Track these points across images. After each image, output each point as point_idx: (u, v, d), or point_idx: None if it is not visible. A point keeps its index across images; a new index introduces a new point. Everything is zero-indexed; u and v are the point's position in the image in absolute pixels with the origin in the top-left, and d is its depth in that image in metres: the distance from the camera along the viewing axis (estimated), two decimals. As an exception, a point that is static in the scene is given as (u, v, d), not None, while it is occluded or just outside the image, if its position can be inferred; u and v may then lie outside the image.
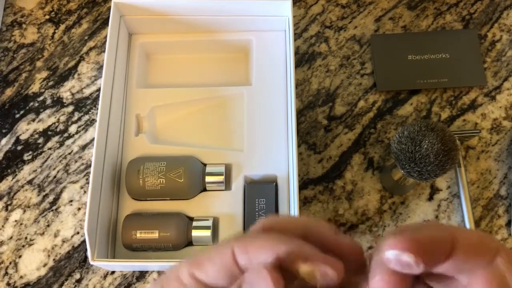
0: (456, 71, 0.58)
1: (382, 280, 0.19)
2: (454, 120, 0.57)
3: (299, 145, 0.56)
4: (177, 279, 0.22)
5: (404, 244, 0.18)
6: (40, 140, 0.57)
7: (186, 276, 0.21)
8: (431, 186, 0.54)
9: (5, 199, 0.55)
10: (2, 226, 0.54)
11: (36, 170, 0.56)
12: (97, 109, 0.48)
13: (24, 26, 0.63)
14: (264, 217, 0.22)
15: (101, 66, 0.60)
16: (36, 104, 0.59)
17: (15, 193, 0.55)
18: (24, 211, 0.54)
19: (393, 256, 0.18)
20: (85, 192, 0.55)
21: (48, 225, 0.53)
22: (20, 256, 0.52)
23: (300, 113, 0.57)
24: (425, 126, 0.49)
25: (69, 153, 0.57)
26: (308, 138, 0.56)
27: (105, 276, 0.51)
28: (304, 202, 0.54)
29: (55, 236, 0.53)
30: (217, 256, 0.21)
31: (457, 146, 0.50)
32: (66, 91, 0.59)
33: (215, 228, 0.49)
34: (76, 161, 0.56)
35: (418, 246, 0.18)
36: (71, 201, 0.54)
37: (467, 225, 0.51)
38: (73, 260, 0.52)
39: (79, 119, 0.58)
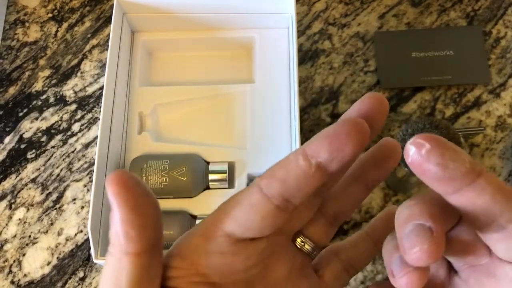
0: (460, 68, 0.58)
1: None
2: (458, 118, 0.56)
3: (302, 143, 0.56)
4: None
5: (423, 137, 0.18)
6: (43, 139, 0.57)
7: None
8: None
9: (8, 197, 0.55)
10: (6, 224, 0.54)
11: (39, 169, 0.56)
12: (100, 107, 0.48)
13: (27, 24, 0.63)
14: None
15: (104, 64, 0.60)
16: (39, 103, 0.59)
17: (18, 192, 0.55)
18: (28, 209, 0.54)
19: (412, 143, 0.18)
20: (88, 190, 0.55)
21: (51, 224, 0.54)
22: (24, 255, 0.53)
23: (303, 111, 0.57)
24: (429, 123, 0.49)
25: (72, 152, 0.57)
26: (312, 136, 0.56)
27: (108, 274, 0.51)
28: (308, 200, 0.54)
29: (59, 234, 0.53)
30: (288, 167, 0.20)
31: (461, 144, 0.50)
32: (69, 90, 0.59)
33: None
34: (79, 160, 0.56)
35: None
36: (74, 199, 0.55)
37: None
38: (77, 259, 0.52)
39: (82, 117, 0.58)
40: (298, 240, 0.25)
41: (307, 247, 0.25)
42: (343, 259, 0.27)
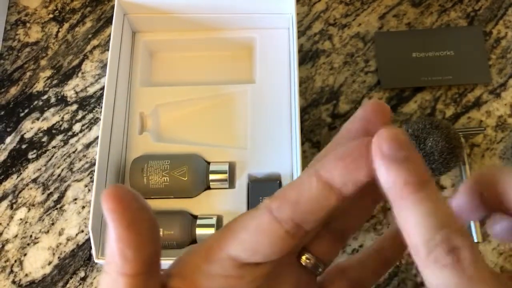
0: (461, 68, 0.58)
1: None
2: (458, 118, 0.56)
3: (302, 143, 0.56)
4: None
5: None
6: (45, 139, 0.57)
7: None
8: (436, 183, 0.54)
9: (10, 197, 0.55)
10: (7, 224, 0.54)
11: (40, 169, 0.56)
12: (101, 107, 0.48)
13: (28, 25, 0.63)
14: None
15: (105, 65, 0.60)
16: (40, 103, 0.59)
17: (20, 192, 0.55)
18: (29, 209, 0.54)
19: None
20: (89, 190, 0.55)
21: (52, 224, 0.54)
22: (25, 254, 0.53)
23: (303, 111, 0.57)
24: (429, 123, 0.49)
25: (73, 152, 0.57)
26: (312, 136, 0.56)
27: (109, 274, 0.52)
28: (308, 200, 0.54)
29: (60, 234, 0.53)
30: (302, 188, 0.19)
31: (462, 144, 0.50)
32: (70, 90, 0.60)
33: (219, 226, 0.49)
34: (80, 160, 0.56)
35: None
36: (75, 199, 0.55)
37: (472, 223, 0.51)
38: (78, 258, 0.52)
39: (83, 117, 0.58)
40: (303, 257, 0.24)
41: (312, 264, 0.24)
42: (350, 278, 0.25)
